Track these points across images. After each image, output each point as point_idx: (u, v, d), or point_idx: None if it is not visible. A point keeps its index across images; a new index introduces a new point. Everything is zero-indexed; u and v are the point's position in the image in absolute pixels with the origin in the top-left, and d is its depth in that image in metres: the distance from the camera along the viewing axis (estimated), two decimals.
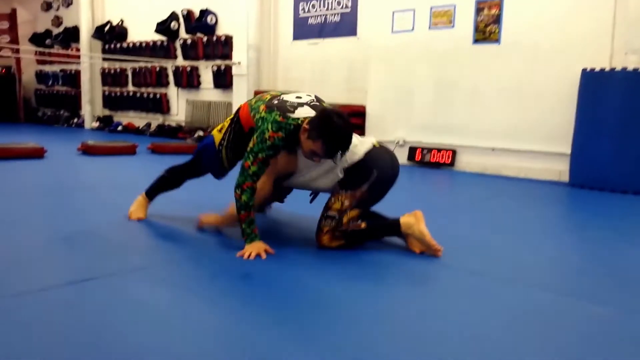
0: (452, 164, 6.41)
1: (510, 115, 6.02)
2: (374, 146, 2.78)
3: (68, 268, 2.31)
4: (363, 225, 2.69)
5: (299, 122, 2.56)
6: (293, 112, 2.59)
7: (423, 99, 6.66)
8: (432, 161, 6.54)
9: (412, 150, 6.74)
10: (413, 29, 6.70)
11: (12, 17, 13.18)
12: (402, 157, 6.82)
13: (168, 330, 1.72)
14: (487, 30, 6.15)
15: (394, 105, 6.93)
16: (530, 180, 5.71)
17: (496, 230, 3.39)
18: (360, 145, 2.74)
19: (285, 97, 2.72)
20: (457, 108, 6.40)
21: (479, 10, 6.18)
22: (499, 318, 1.92)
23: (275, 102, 2.68)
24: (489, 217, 3.83)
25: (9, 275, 2.17)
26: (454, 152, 6.42)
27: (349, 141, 2.53)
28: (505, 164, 6.08)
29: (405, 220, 2.71)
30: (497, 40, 6.08)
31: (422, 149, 6.66)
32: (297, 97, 2.72)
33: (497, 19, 6.06)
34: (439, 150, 6.51)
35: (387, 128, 6.99)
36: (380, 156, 2.76)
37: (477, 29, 6.22)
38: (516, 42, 5.94)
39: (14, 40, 12.93)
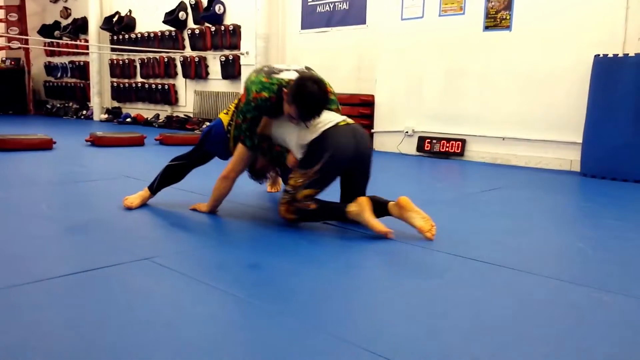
0: (461, 153, 6.35)
1: (521, 104, 5.94)
2: (338, 125, 2.73)
3: (74, 258, 2.30)
4: (312, 205, 2.72)
5: (283, 83, 2.66)
6: (278, 74, 2.75)
7: (432, 87, 6.59)
8: (442, 151, 6.48)
9: (421, 140, 6.68)
10: (423, 16, 6.62)
11: (21, 9, 13.19)
12: (411, 147, 6.77)
13: (174, 320, 1.69)
14: (498, 17, 6.06)
15: (403, 95, 6.86)
16: (541, 170, 5.64)
17: (506, 220, 3.34)
18: (321, 124, 2.71)
19: (276, 65, 2.88)
20: (467, 97, 6.32)
21: None
22: (509, 307, 1.90)
23: (265, 68, 2.85)
24: (498, 207, 3.78)
25: (14, 265, 2.16)
26: (463, 142, 6.35)
27: (320, 106, 2.63)
28: (515, 153, 6.01)
29: (351, 209, 2.69)
30: (509, 27, 5.99)
31: (432, 138, 6.59)
32: (288, 66, 2.88)
33: (508, 5, 5.96)
34: (449, 140, 6.45)
35: (396, 118, 6.93)
36: (339, 137, 2.73)
37: (487, 16, 6.13)
38: (528, 29, 5.85)
39: (23, 32, 12.95)
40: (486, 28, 6.15)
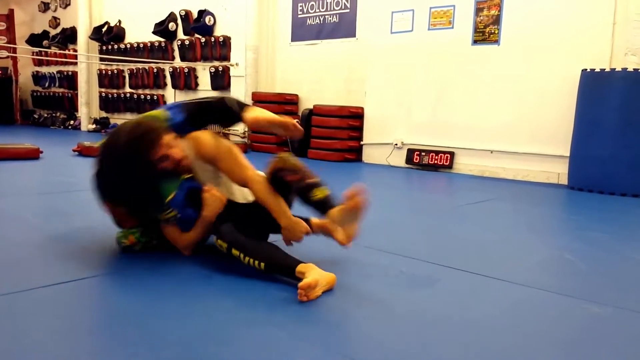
0: (450, 166, 6.38)
1: (509, 117, 5.99)
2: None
3: (47, 270, 2.26)
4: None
5: None
6: None
7: (422, 100, 6.63)
8: (431, 163, 6.50)
9: (410, 152, 6.70)
10: (412, 29, 6.67)
11: (9, 18, 13.14)
12: (400, 159, 6.79)
13: (144, 333, 1.66)
14: (486, 31, 6.12)
15: (393, 107, 6.89)
16: (528, 183, 5.68)
17: (493, 232, 3.35)
18: None
19: None
20: (455, 110, 6.36)
21: (478, 11, 6.16)
22: (499, 318, 1.89)
23: None
24: (486, 219, 3.79)
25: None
26: (452, 155, 6.38)
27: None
28: (503, 166, 6.04)
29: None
30: (497, 42, 6.05)
31: (420, 151, 6.62)
32: None
33: (497, 20, 6.03)
34: (437, 152, 6.47)
35: (386, 130, 6.95)
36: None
37: (476, 30, 6.19)
38: (516, 44, 5.91)
39: (11, 41, 12.89)
40: (475, 42, 6.21)
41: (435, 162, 6.46)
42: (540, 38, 5.73)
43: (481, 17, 6.14)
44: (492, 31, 6.07)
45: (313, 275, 2.01)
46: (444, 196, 5.22)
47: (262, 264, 2.13)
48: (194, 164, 2.40)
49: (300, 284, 1.94)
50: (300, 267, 2.08)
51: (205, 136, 2.40)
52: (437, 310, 1.96)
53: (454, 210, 4.18)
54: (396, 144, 6.82)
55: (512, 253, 2.82)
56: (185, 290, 2.05)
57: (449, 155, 6.37)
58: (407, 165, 6.71)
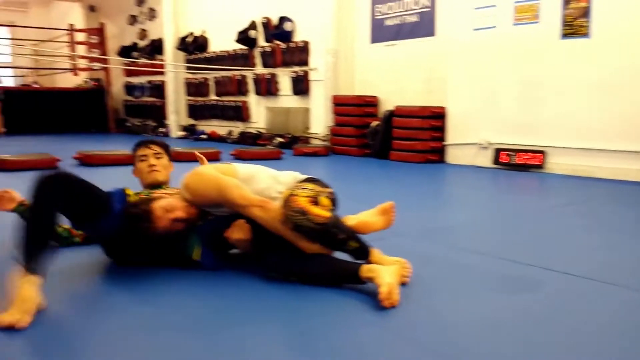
0: (541, 166, 6.13)
1: (603, 114, 5.68)
2: None
3: None
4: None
5: None
6: None
7: (508, 98, 6.42)
8: (520, 163, 6.28)
9: (498, 152, 6.50)
10: (496, 25, 6.48)
11: (101, 31, 13.91)
12: (486, 159, 6.61)
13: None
14: (575, 24, 5.84)
15: (477, 106, 6.72)
16: (628, 182, 5.35)
17: (592, 235, 3.20)
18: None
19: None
20: (545, 107, 6.11)
21: (566, 3, 5.89)
22: (607, 322, 1.81)
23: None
24: (583, 221, 3.63)
25: None
26: (543, 154, 6.13)
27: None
28: (599, 165, 5.73)
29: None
30: (587, 35, 5.76)
31: (509, 150, 6.41)
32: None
33: (586, 12, 5.74)
34: (527, 152, 6.24)
35: (470, 129, 6.79)
36: None
37: (564, 24, 5.92)
38: (608, 36, 5.60)
39: (104, 53, 13.65)
40: (563, 36, 5.94)
41: (525, 161, 6.23)
42: (634, 29, 5.39)
43: (569, 10, 5.87)
44: (582, 24, 5.79)
45: (384, 279, 1.97)
46: (536, 197, 5.04)
47: (324, 281, 2.12)
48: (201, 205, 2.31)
49: (380, 296, 1.92)
50: (364, 273, 2.06)
51: (192, 185, 2.28)
52: (542, 313, 1.91)
53: (548, 211, 4.02)
54: (482, 144, 6.65)
55: (614, 256, 2.69)
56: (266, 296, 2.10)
57: (540, 155, 6.13)
58: (494, 166, 6.52)
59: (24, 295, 1.77)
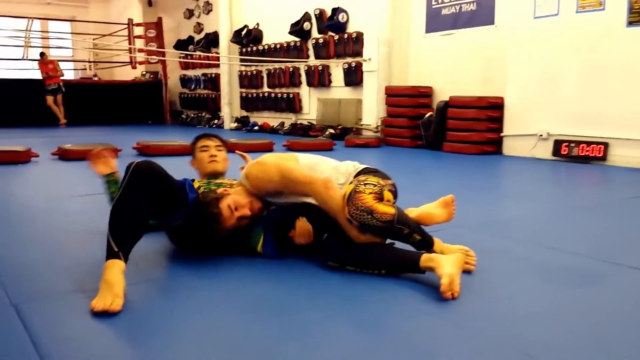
0: (604, 158, 5.89)
1: None
2: None
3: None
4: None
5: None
6: None
7: (570, 88, 6.20)
8: (581, 155, 6.05)
9: (558, 144, 6.29)
10: (558, 13, 6.25)
11: (158, 25, 14.23)
12: (546, 151, 6.41)
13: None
14: None
15: (536, 96, 6.51)
16: None
17: None
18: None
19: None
20: (609, 97, 5.86)
21: None
22: None
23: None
24: None
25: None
26: (606, 145, 5.89)
27: None
28: None
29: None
30: None
31: (569, 142, 6.19)
32: None
33: None
34: (589, 143, 6.01)
35: (529, 120, 6.59)
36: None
37: (631, 10, 5.66)
38: None
39: (160, 47, 13.97)
40: (630, 24, 5.68)
41: (587, 153, 6.00)
42: None
43: None
44: None
45: (445, 269, 1.94)
46: (599, 190, 4.86)
47: (383, 271, 2.11)
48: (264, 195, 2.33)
49: (442, 288, 1.89)
50: (424, 262, 2.03)
51: (255, 173, 2.30)
52: (608, 307, 1.85)
53: (612, 204, 3.87)
54: (541, 135, 6.45)
55: None
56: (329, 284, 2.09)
57: (602, 146, 5.89)
58: (553, 158, 6.32)
59: (111, 279, 1.82)
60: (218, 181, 2.65)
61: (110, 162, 2.78)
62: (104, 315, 1.71)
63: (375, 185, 2.18)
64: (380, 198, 2.14)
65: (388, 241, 2.21)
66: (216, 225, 2.20)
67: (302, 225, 2.26)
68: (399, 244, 2.17)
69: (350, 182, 2.24)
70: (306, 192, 2.22)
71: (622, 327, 1.68)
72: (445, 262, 1.98)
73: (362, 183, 2.17)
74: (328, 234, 2.21)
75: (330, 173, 2.34)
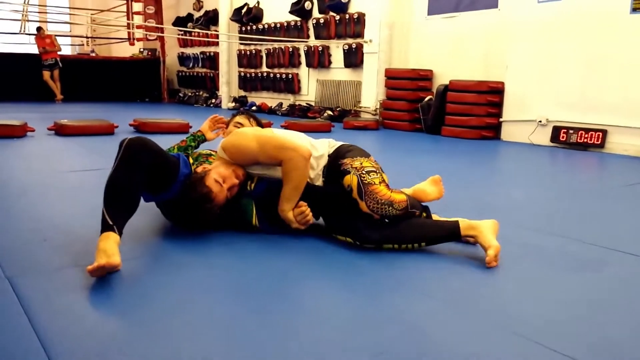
0: (602, 145, 5.88)
1: None
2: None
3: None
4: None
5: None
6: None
7: (570, 75, 6.16)
8: (579, 142, 6.04)
9: (556, 130, 6.27)
10: None
11: (157, 1, 14.01)
12: (544, 137, 6.39)
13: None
14: None
15: (537, 82, 6.48)
16: None
17: None
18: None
19: None
20: (609, 84, 5.83)
21: None
22: None
23: None
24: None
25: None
26: (604, 133, 5.88)
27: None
28: None
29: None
30: None
31: (568, 128, 6.17)
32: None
33: None
34: (587, 130, 6.00)
35: (528, 106, 6.57)
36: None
37: None
38: None
39: (159, 23, 13.79)
40: (634, 10, 5.64)
41: (585, 140, 5.99)
42: None
43: None
44: None
45: (490, 240, 2.06)
46: (597, 177, 4.86)
47: (423, 244, 2.16)
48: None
49: (487, 259, 2.01)
50: (465, 231, 2.13)
51: (233, 143, 2.29)
52: (605, 293, 1.85)
53: (610, 191, 3.87)
54: (540, 121, 6.43)
55: None
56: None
57: (600, 134, 5.88)
58: (552, 144, 6.30)
59: (106, 247, 1.82)
60: (206, 152, 2.63)
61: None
62: (100, 277, 1.75)
63: (376, 172, 2.22)
64: (387, 185, 2.22)
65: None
66: (209, 204, 2.18)
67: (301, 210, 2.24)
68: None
69: (347, 172, 2.22)
70: (281, 159, 2.19)
71: (619, 312, 1.69)
72: (487, 231, 2.11)
73: (364, 172, 2.19)
74: (358, 220, 2.18)
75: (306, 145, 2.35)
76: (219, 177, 2.21)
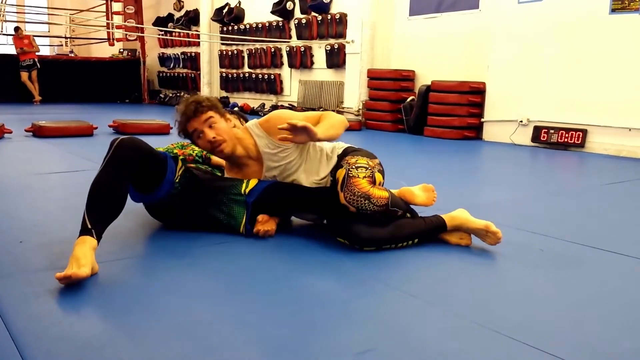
0: (582, 144, 5.94)
1: None
2: None
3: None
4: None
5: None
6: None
7: (551, 75, 6.22)
8: (560, 142, 6.10)
9: (537, 130, 6.32)
10: None
11: (137, 1, 13.85)
12: (525, 137, 6.45)
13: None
14: None
15: (518, 82, 6.53)
16: None
17: (634, 214, 3.09)
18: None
19: None
20: (589, 85, 5.90)
21: None
22: None
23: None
24: (626, 200, 3.52)
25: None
26: (584, 132, 5.94)
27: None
28: None
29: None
30: (638, 10, 5.52)
31: (549, 128, 6.23)
32: None
33: None
34: (568, 130, 6.06)
35: (509, 106, 6.61)
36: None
37: None
38: None
39: (139, 23, 13.64)
40: (612, 11, 5.71)
41: (566, 140, 6.05)
42: None
43: None
44: None
45: (474, 221, 2.22)
46: (577, 176, 4.90)
47: (416, 240, 2.22)
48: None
49: (498, 236, 2.17)
50: (450, 221, 2.25)
51: (272, 117, 2.38)
52: (585, 290, 1.86)
53: (589, 190, 3.91)
54: (521, 121, 6.48)
55: None
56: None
57: (580, 133, 5.94)
58: (533, 144, 6.36)
59: (78, 254, 1.76)
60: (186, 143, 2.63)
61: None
62: (69, 286, 1.69)
63: (367, 168, 2.21)
64: (373, 181, 2.19)
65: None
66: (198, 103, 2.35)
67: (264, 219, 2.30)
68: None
69: (341, 166, 2.24)
70: (326, 116, 2.31)
71: (599, 309, 1.69)
72: (467, 215, 2.26)
73: (353, 166, 2.19)
74: (360, 223, 2.16)
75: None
76: (211, 141, 2.31)
